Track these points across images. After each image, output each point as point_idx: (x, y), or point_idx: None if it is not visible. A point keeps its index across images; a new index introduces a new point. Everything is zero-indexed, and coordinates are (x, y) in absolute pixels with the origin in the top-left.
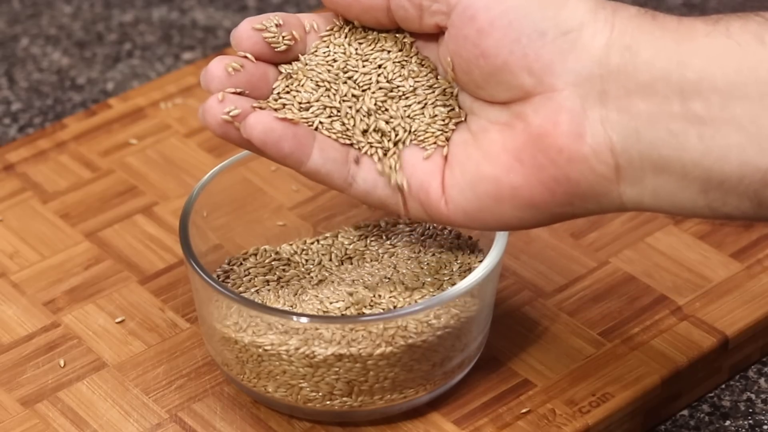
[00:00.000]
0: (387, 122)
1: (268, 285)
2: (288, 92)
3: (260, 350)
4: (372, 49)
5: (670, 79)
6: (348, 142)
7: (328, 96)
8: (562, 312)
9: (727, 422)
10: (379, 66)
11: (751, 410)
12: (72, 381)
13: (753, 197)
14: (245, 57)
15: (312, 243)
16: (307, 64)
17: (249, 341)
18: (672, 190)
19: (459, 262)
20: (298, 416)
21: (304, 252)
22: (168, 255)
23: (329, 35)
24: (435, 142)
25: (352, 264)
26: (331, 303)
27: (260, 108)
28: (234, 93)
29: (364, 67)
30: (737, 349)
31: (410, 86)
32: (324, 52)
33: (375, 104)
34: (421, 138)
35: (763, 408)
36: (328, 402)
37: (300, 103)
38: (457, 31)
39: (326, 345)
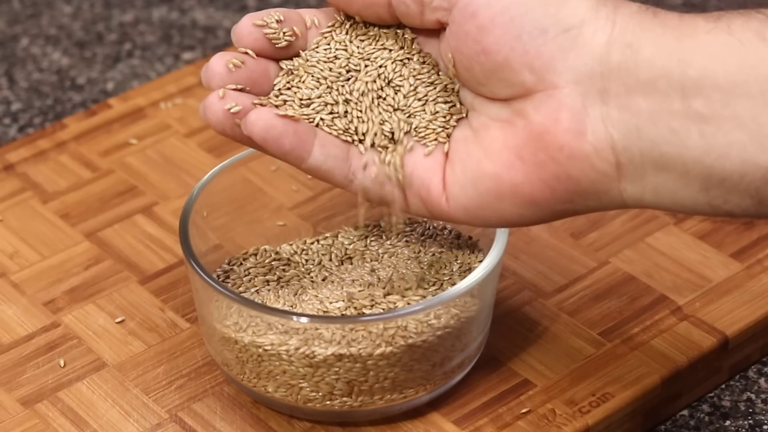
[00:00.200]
0: (387, 120)
1: (268, 285)
2: (289, 88)
3: (260, 350)
4: (373, 47)
5: (671, 76)
6: (349, 139)
7: (329, 93)
8: (562, 312)
9: (727, 422)
10: (380, 65)
11: (751, 410)
12: (72, 381)
13: (754, 195)
14: (246, 53)
15: (312, 243)
16: (308, 60)
17: (249, 341)
18: (673, 188)
19: (459, 262)
20: (298, 416)
21: (304, 252)
22: (168, 255)
23: (330, 31)
24: (436, 139)
25: (352, 264)
26: (331, 303)
27: (261, 105)
28: (235, 89)
29: (365, 65)
30: (737, 349)
31: (411, 84)
32: (325, 49)
33: (375, 102)
34: (422, 135)
35: (763, 408)
36: (328, 402)
37: (301, 99)
38: (458, 28)
39: (326, 345)
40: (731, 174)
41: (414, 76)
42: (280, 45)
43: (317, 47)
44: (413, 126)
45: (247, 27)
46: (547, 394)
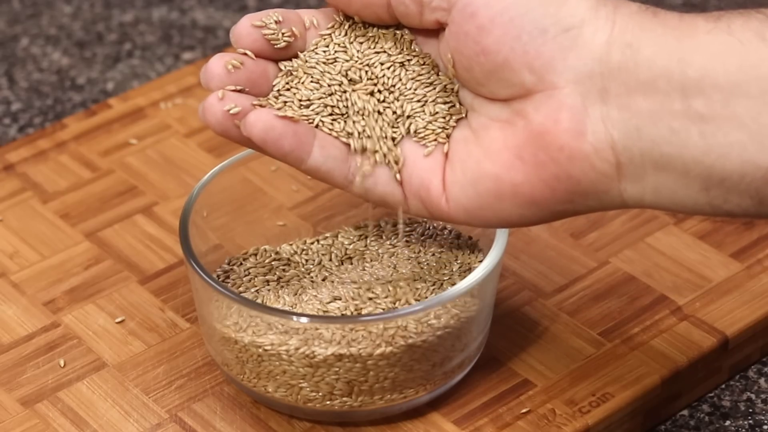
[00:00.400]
0: (387, 121)
1: (268, 285)
2: (288, 89)
3: (260, 350)
4: (372, 49)
5: (671, 76)
6: (348, 140)
7: (328, 95)
8: (562, 312)
9: (727, 422)
10: (380, 66)
11: (751, 410)
12: (72, 381)
13: (754, 195)
14: (245, 54)
15: (312, 243)
16: (307, 62)
17: (249, 341)
18: (673, 188)
19: (459, 262)
20: (298, 416)
21: (304, 252)
22: (168, 255)
23: (330, 33)
24: (436, 140)
25: (352, 264)
26: (330, 303)
27: (260, 105)
28: (234, 90)
29: (364, 67)
30: (737, 349)
31: (410, 87)
32: (324, 50)
33: (375, 104)
34: (422, 135)
35: (763, 408)
36: (328, 402)
37: (300, 100)
38: (458, 28)
39: (326, 345)
40: (731, 174)
41: (413, 79)
42: (278, 46)
43: (316, 48)
44: (412, 128)
45: (246, 28)
46: (547, 394)
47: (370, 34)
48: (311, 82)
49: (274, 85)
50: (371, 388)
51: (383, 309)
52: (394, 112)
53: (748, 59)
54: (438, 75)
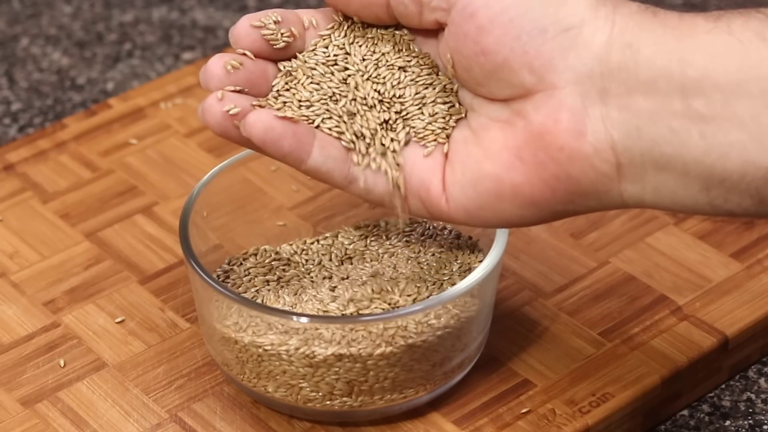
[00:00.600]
0: (386, 121)
1: (268, 285)
2: (287, 90)
3: (260, 350)
4: (371, 50)
5: (671, 76)
6: (348, 140)
7: (328, 96)
8: (562, 312)
9: (727, 422)
10: (379, 66)
11: (751, 410)
12: (72, 381)
13: (755, 195)
14: (244, 54)
15: (312, 243)
16: (306, 62)
17: (249, 341)
18: (673, 188)
19: (459, 262)
20: (298, 416)
21: (304, 252)
22: (168, 255)
23: (329, 33)
24: (435, 140)
25: (352, 264)
26: (330, 303)
27: (260, 106)
28: (233, 91)
29: (363, 71)
30: (737, 349)
31: (410, 88)
32: (323, 51)
33: (374, 104)
34: (422, 136)
35: (763, 408)
36: (328, 402)
37: (300, 101)
38: (457, 28)
39: (326, 345)
40: (732, 174)
41: (413, 79)
42: (278, 46)
43: (315, 48)
44: (412, 128)
45: (245, 28)
46: (547, 394)
47: (370, 35)
48: (311, 82)
49: (273, 86)
50: (371, 388)
51: (383, 309)
52: (394, 113)
53: (748, 59)
54: (437, 75)
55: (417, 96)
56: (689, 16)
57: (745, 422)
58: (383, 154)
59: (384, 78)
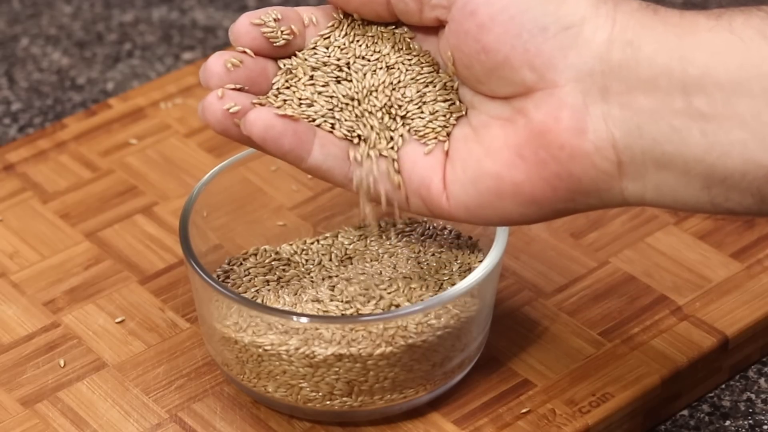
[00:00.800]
0: (387, 119)
1: (268, 285)
2: (288, 88)
3: (260, 350)
4: (372, 48)
5: (672, 74)
6: (348, 138)
7: (328, 94)
8: (562, 312)
9: (727, 422)
10: (379, 67)
11: (751, 410)
12: (72, 381)
13: (756, 193)
14: (244, 52)
15: (312, 243)
16: (306, 60)
17: (249, 341)
18: (674, 186)
19: (459, 262)
20: (298, 416)
21: (304, 252)
22: (168, 255)
23: (329, 31)
24: (436, 138)
25: (352, 264)
26: (330, 303)
27: (260, 104)
28: (233, 89)
29: (363, 69)
30: (737, 349)
31: (410, 86)
32: (323, 49)
33: (374, 102)
34: (422, 133)
35: (763, 408)
36: (328, 402)
37: (300, 99)
38: (458, 26)
39: (326, 345)
40: (733, 172)
41: (413, 77)
42: (278, 44)
43: (315, 46)
44: (412, 127)
45: (245, 26)
46: (547, 394)
47: (370, 33)
48: (311, 80)
49: (273, 84)
50: (371, 388)
51: (383, 309)
52: (395, 111)
53: (749, 57)
54: (438, 73)
55: (417, 94)
56: (690, 14)
57: (745, 422)
58: (383, 153)
59: (384, 76)
